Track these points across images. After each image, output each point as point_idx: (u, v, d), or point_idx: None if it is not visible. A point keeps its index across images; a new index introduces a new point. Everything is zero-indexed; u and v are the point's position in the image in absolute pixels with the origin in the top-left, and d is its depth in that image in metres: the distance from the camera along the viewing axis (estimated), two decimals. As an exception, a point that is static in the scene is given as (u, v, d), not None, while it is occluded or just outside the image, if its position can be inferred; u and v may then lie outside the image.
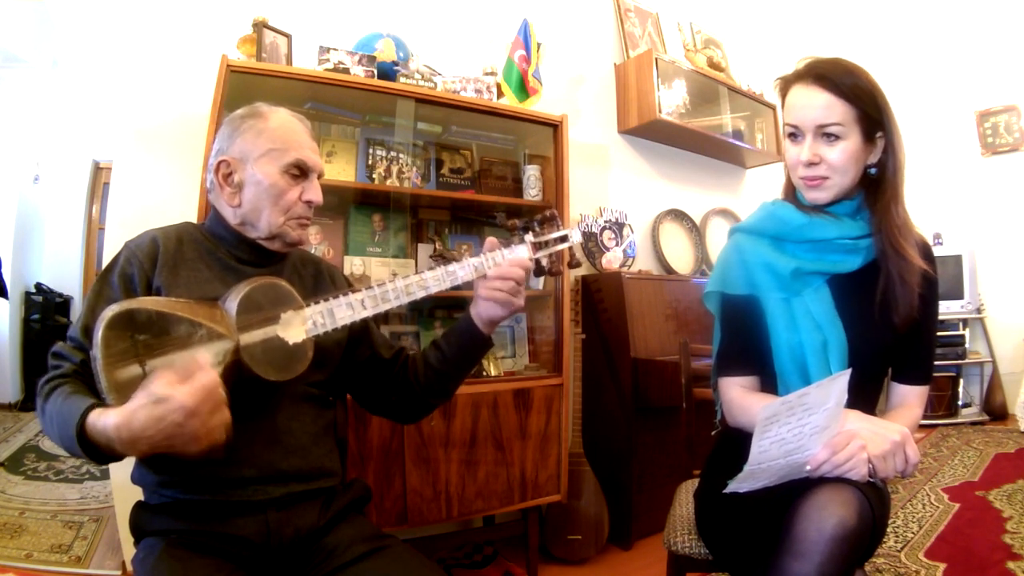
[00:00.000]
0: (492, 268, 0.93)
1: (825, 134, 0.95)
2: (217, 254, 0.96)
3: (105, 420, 0.70)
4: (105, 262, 0.99)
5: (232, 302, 0.82)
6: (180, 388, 0.69)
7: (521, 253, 0.94)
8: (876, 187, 0.99)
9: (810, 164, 0.96)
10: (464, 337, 1.00)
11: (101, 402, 0.74)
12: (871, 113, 0.94)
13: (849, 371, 0.78)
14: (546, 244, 0.96)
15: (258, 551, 0.86)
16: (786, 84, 1.01)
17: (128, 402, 0.70)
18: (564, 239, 0.97)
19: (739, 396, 1.02)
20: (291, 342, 0.84)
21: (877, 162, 0.98)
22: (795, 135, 0.99)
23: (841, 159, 0.95)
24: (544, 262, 0.96)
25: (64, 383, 0.80)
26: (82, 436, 0.71)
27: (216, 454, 0.73)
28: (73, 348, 0.85)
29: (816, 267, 0.99)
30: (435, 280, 0.92)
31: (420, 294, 0.91)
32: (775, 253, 1.01)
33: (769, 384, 1.03)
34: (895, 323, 0.96)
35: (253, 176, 0.93)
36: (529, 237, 0.95)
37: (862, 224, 0.99)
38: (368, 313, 0.89)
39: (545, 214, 0.97)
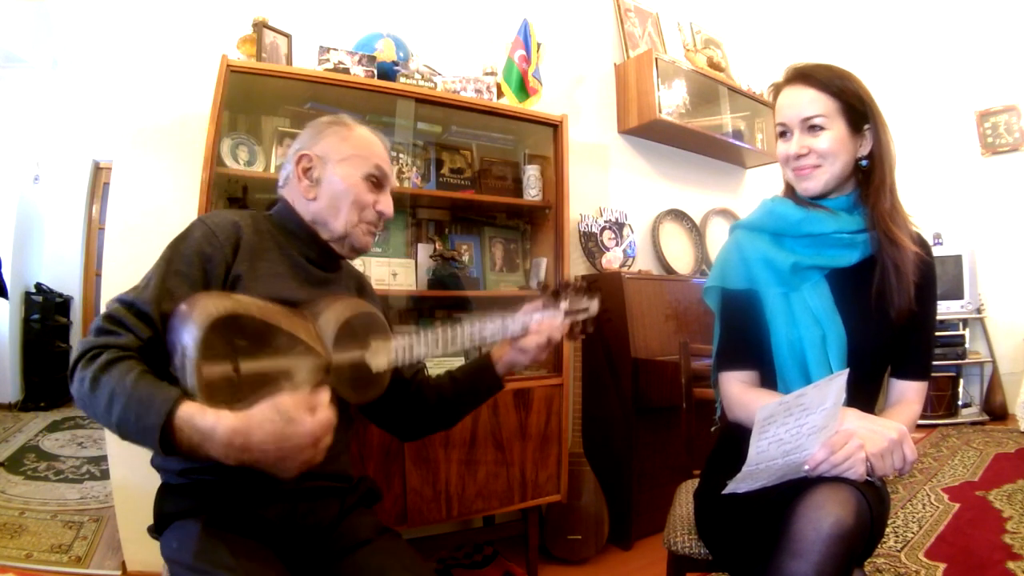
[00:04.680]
0: (533, 325, 1.00)
1: (811, 126, 0.99)
2: (288, 250, 0.97)
3: (215, 421, 0.67)
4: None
5: (330, 324, 0.85)
6: (311, 418, 0.69)
7: (556, 319, 1.01)
8: (868, 179, 1.02)
9: (799, 156, 1.01)
10: (482, 376, 1.06)
11: (186, 394, 0.71)
12: (855, 105, 0.99)
13: (847, 371, 0.78)
14: (575, 312, 1.03)
15: (280, 534, 0.87)
16: (776, 89, 1.07)
17: (249, 411, 0.68)
18: (589, 308, 1.05)
19: (739, 392, 1.03)
20: (375, 370, 0.88)
21: (868, 154, 1.01)
22: (784, 133, 1.04)
23: (828, 145, 0.98)
24: (575, 328, 1.04)
25: (128, 358, 0.75)
26: (168, 427, 0.68)
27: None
28: (137, 320, 0.79)
29: (814, 262, 1.01)
30: (494, 332, 0.99)
31: (478, 342, 0.98)
32: (774, 248, 1.03)
33: (769, 379, 1.03)
34: (891, 315, 0.97)
35: (333, 175, 0.97)
36: (564, 305, 1.02)
37: (859, 219, 1.01)
38: (437, 353, 0.94)
39: (575, 284, 1.05)
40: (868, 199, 1.00)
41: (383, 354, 0.89)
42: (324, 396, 0.72)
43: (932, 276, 1.03)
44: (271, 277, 0.91)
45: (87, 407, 0.74)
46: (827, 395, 0.77)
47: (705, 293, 1.13)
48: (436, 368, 1.27)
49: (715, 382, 1.11)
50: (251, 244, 0.91)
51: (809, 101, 0.99)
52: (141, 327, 0.79)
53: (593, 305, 1.05)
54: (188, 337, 0.72)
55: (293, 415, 0.68)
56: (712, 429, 1.18)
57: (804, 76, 1.01)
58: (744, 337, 1.05)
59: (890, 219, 0.98)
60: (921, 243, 1.03)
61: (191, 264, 0.85)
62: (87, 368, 0.74)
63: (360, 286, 1.12)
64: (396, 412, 1.10)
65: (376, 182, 0.99)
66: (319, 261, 0.99)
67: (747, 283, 1.05)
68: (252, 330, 0.76)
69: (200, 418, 0.68)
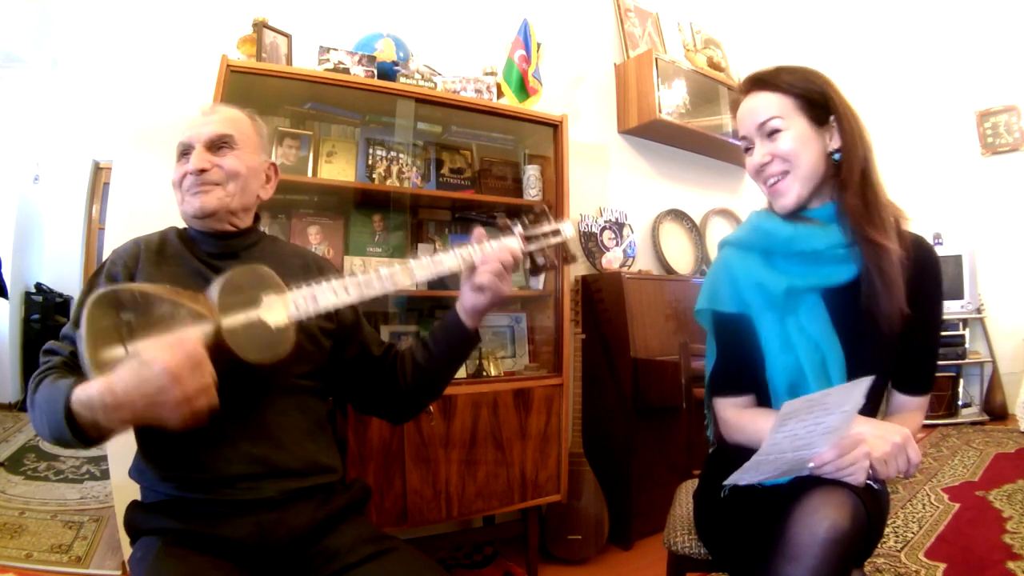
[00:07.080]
0: (479, 257, 0.90)
1: (769, 132, 0.95)
2: (194, 252, 1.00)
3: (89, 389, 0.70)
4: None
5: (214, 286, 0.84)
6: (164, 353, 0.70)
7: (510, 244, 0.91)
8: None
9: (763, 165, 0.96)
10: (450, 332, 0.98)
11: (85, 379, 0.74)
12: (813, 98, 0.94)
13: (872, 378, 0.77)
14: (537, 238, 0.92)
15: (253, 553, 0.85)
16: (735, 104, 1.02)
17: (114, 369, 0.71)
18: (556, 233, 0.94)
19: (735, 416, 1.00)
20: (273, 325, 0.83)
21: (839, 147, 0.95)
22: (748, 148, 1.00)
23: (790, 146, 0.94)
24: (538, 258, 0.93)
25: (52, 372, 0.82)
26: (69, 415, 0.71)
27: (200, 422, 0.73)
28: (64, 344, 0.88)
29: (809, 282, 0.95)
30: (421, 269, 0.90)
31: (406, 282, 0.89)
32: (766, 270, 0.97)
33: (764, 403, 1.00)
34: (883, 326, 0.91)
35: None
36: (518, 229, 0.93)
37: (848, 229, 0.94)
38: (352, 300, 0.87)
39: (535, 209, 0.95)
40: (841, 195, 0.94)
41: (279, 308, 0.84)
42: (189, 331, 0.75)
43: (930, 278, 0.95)
44: (176, 276, 0.93)
45: (37, 430, 0.80)
46: (850, 398, 0.77)
47: (697, 314, 1.08)
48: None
49: (708, 404, 1.08)
50: (152, 255, 0.97)
51: (763, 105, 0.96)
52: (67, 348, 0.88)
53: (564, 228, 0.93)
54: (80, 323, 0.76)
55: (145, 357, 0.69)
56: (711, 450, 1.14)
57: (756, 82, 0.98)
58: (739, 362, 1.00)
59: (862, 218, 0.91)
60: (917, 244, 0.96)
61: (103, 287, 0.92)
62: (28, 397, 0.83)
63: (305, 264, 1.07)
64: (376, 393, 1.07)
65: (184, 151, 1.00)
66: (222, 252, 1.00)
67: (739, 307, 0.99)
68: (135, 303, 0.78)
69: (84, 394, 0.71)
